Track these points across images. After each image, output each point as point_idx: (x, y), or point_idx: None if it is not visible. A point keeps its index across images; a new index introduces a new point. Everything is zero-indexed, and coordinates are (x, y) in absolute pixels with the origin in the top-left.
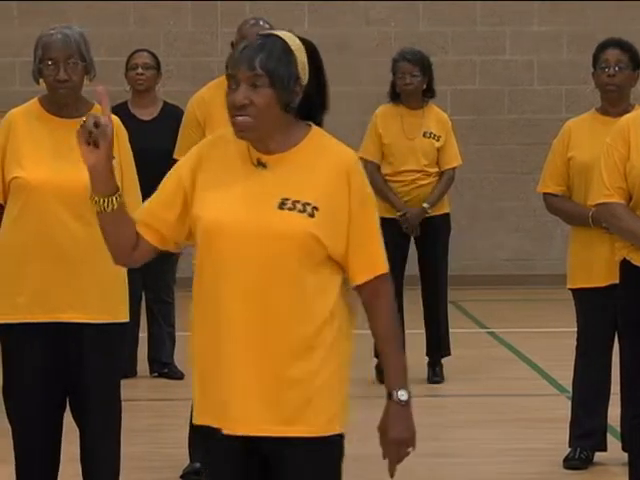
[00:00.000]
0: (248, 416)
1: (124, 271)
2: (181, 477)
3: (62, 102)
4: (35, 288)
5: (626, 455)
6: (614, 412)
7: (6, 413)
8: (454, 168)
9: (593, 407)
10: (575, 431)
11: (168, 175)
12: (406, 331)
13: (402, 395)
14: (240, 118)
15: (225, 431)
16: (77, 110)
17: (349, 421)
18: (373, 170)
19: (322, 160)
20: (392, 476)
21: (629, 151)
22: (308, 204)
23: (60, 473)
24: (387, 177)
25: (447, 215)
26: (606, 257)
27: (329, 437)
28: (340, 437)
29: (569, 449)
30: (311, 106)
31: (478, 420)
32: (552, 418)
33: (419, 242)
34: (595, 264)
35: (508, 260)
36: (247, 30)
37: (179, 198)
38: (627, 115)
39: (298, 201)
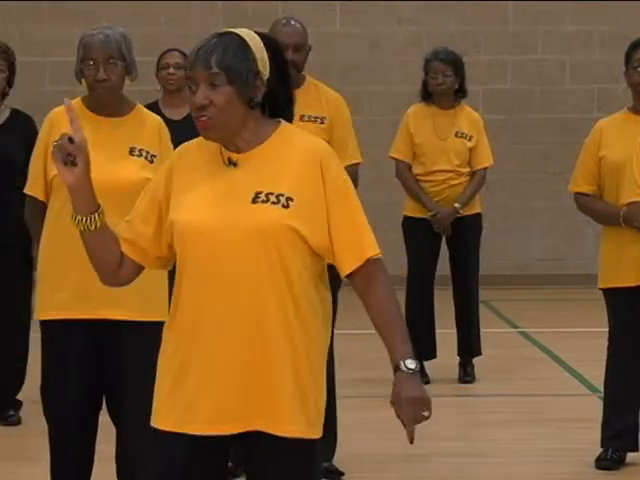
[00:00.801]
0: (244, 414)
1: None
2: None
3: (102, 101)
4: (76, 285)
5: None
6: None
7: (43, 411)
8: (486, 168)
9: (625, 407)
10: (607, 431)
11: (144, 190)
12: (437, 331)
13: (410, 363)
14: (202, 118)
15: (213, 432)
16: (119, 109)
17: (376, 419)
18: (404, 170)
19: (293, 152)
20: (412, 440)
21: None
22: (282, 195)
23: (94, 472)
24: (419, 177)
25: (479, 215)
26: (637, 257)
27: (312, 440)
28: (318, 440)
29: (601, 449)
30: (277, 103)
31: (509, 420)
32: (583, 418)
33: (450, 242)
34: (626, 264)
35: (540, 260)
36: (279, 30)
37: (155, 212)
38: None
39: (272, 193)
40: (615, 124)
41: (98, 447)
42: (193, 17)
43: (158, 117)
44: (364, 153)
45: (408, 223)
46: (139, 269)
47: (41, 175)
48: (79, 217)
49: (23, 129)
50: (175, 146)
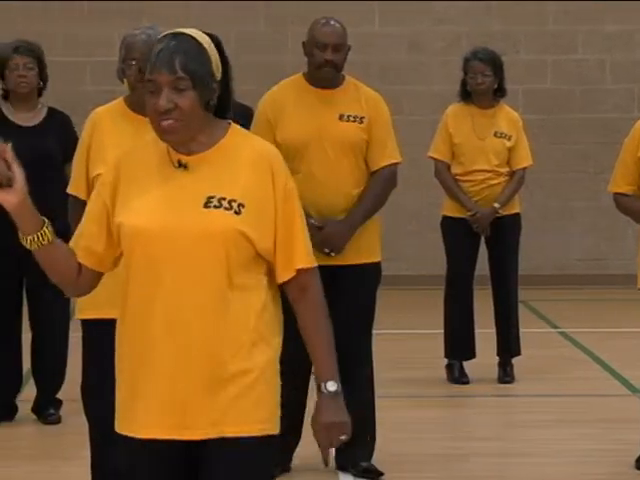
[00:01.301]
0: (192, 420)
1: None
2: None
3: (143, 101)
4: (116, 284)
5: None
6: None
7: (83, 410)
8: (525, 168)
9: None
10: None
11: (92, 195)
12: (477, 330)
13: (331, 386)
14: (166, 122)
15: (165, 437)
16: None
17: (414, 419)
18: (443, 170)
19: (244, 157)
20: (326, 463)
21: None
22: (234, 201)
23: None
24: (457, 177)
25: (518, 215)
26: None
27: (265, 437)
28: (274, 438)
29: None
30: (222, 102)
31: (548, 420)
32: (623, 418)
33: (489, 242)
34: None
35: (580, 260)
36: (318, 30)
37: (104, 215)
38: None
39: (224, 198)
40: None
41: None
42: (234, 18)
43: None
44: (403, 153)
45: (447, 223)
46: (99, 275)
47: (83, 175)
48: (30, 237)
49: (60, 128)
50: None
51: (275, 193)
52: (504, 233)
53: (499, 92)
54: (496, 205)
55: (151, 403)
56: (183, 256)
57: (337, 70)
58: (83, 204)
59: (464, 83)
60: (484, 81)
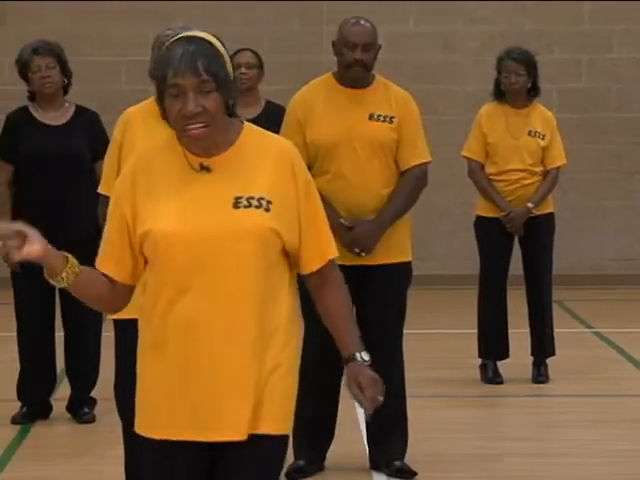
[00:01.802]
0: (230, 420)
1: None
2: (286, 475)
3: None
4: None
5: None
6: None
7: (117, 409)
8: (559, 167)
9: None
10: None
11: (108, 213)
12: (510, 330)
13: (365, 355)
14: (194, 126)
15: (202, 439)
16: None
17: (447, 419)
18: (477, 169)
19: (264, 154)
20: (372, 413)
21: None
22: (262, 199)
23: None
24: (491, 177)
25: (551, 214)
26: None
27: (282, 436)
28: (287, 437)
29: None
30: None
31: (583, 420)
32: None
33: (523, 242)
34: None
35: (614, 260)
36: (348, 29)
37: (124, 228)
38: None
39: (252, 197)
40: None
41: None
42: (267, 18)
43: None
44: (436, 152)
45: (481, 223)
46: (131, 288)
47: (115, 174)
48: (61, 276)
49: (88, 125)
50: None
51: (297, 188)
52: (538, 233)
53: (533, 91)
54: (530, 205)
55: (184, 405)
56: (218, 258)
57: (367, 70)
58: None
59: (498, 83)
60: (518, 80)
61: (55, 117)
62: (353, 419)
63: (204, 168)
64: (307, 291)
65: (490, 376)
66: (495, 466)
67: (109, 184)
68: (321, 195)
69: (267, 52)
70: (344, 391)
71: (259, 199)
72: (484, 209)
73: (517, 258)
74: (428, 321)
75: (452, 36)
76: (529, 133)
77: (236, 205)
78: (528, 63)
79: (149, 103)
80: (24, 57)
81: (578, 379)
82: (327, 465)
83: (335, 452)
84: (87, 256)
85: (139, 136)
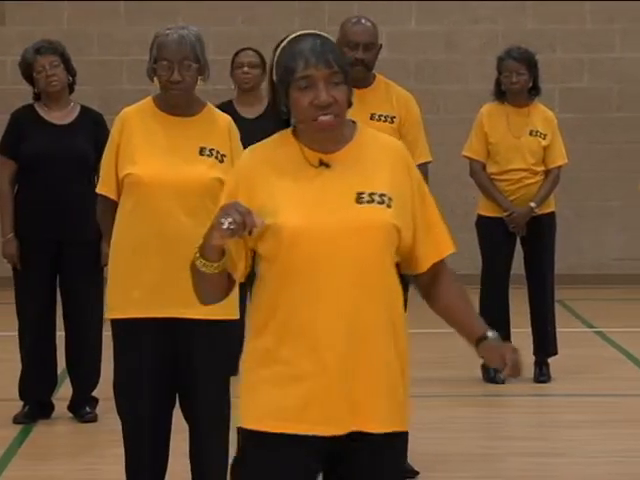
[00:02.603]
0: (342, 415)
1: None
2: None
3: (174, 102)
4: (149, 283)
5: None
6: None
7: (117, 409)
8: (560, 167)
9: None
10: None
11: (222, 199)
12: (513, 330)
13: (494, 334)
14: (326, 117)
15: (328, 433)
16: (190, 109)
17: (450, 418)
18: (478, 169)
19: (381, 152)
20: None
21: None
22: (384, 195)
23: (169, 469)
24: (493, 176)
25: (553, 214)
26: None
27: (401, 433)
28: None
29: None
30: None
31: (584, 420)
32: None
33: (525, 241)
34: None
35: (616, 259)
36: (349, 29)
37: None
38: None
39: (374, 193)
40: None
41: (178, 444)
42: (270, 17)
43: (228, 116)
44: (438, 152)
45: (483, 222)
46: (233, 285)
47: (113, 174)
48: (204, 261)
49: (93, 127)
50: (249, 144)
51: (412, 187)
52: (540, 232)
53: (534, 91)
54: (532, 204)
55: (317, 402)
56: (344, 253)
57: (368, 69)
58: (112, 204)
59: (498, 82)
60: (519, 80)
61: (60, 116)
62: None
63: (323, 164)
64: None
65: (492, 375)
66: (497, 465)
67: (107, 184)
68: None
69: (269, 52)
70: None
71: (381, 195)
72: (486, 209)
73: (519, 257)
74: (429, 320)
75: (454, 35)
76: (530, 133)
77: (359, 200)
78: (529, 62)
79: (146, 103)
80: (27, 58)
81: (580, 379)
82: None
83: None
84: (90, 255)
85: (136, 136)
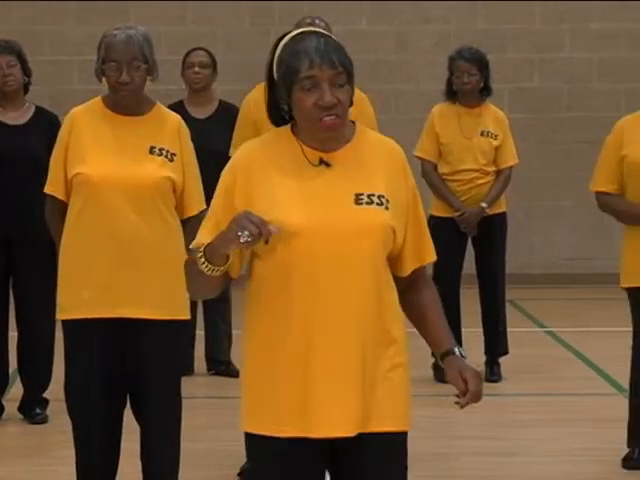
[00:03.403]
0: (343, 416)
1: None
2: (239, 474)
3: (123, 103)
4: (99, 284)
5: None
6: None
7: (67, 410)
8: (511, 167)
9: None
10: (633, 431)
11: (214, 205)
12: (463, 330)
13: (462, 351)
14: (329, 118)
15: (314, 435)
16: (139, 109)
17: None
18: (430, 169)
19: (379, 154)
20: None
21: None
22: (382, 196)
23: (120, 470)
24: (445, 176)
25: (504, 214)
26: None
27: (403, 433)
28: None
29: (627, 449)
30: None
31: (536, 419)
32: (610, 417)
33: (476, 241)
34: None
35: (567, 259)
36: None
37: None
38: None
39: (372, 194)
40: (636, 122)
41: (128, 445)
42: (220, 17)
43: (177, 115)
44: None
45: (434, 222)
46: (226, 281)
47: (61, 174)
48: (211, 266)
49: (47, 128)
50: (199, 144)
51: (408, 190)
52: (491, 232)
53: (485, 91)
54: (483, 204)
55: (326, 402)
56: (341, 253)
57: None
58: (61, 204)
59: (450, 82)
60: (470, 80)
61: (15, 117)
62: None
63: (323, 162)
64: None
65: (443, 375)
66: (450, 465)
67: (55, 184)
68: None
69: (220, 52)
70: None
71: (379, 197)
72: (438, 209)
73: (470, 257)
74: None
75: (405, 35)
76: (482, 133)
77: (358, 201)
78: (480, 63)
79: (95, 103)
80: None
81: (531, 378)
82: None
83: None
84: (44, 256)
85: (85, 136)
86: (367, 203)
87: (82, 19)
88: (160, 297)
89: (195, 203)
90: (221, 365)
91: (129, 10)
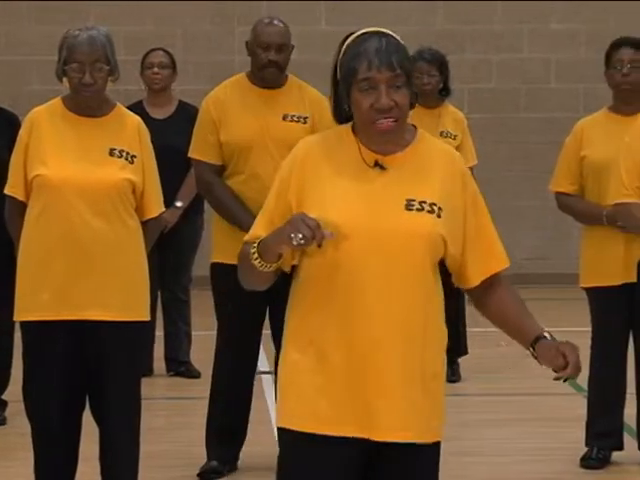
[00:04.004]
0: (396, 421)
1: (146, 270)
2: (198, 475)
3: (85, 104)
4: (58, 285)
5: None
6: (629, 411)
7: (25, 412)
8: (470, 167)
9: (609, 406)
10: (592, 430)
11: (271, 196)
12: None
13: (550, 334)
14: (385, 121)
15: (373, 438)
16: (100, 110)
17: None
18: None
19: (437, 161)
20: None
21: None
22: (434, 204)
23: (78, 471)
24: None
25: None
26: (621, 256)
27: (437, 443)
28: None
29: (586, 448)
30: None
31: (496, 419)
32: (569, 417)
33: None
34: (609, 263)
35: (527, 259)
36: (261, 30)
37: (288, 215)
38: None
39: (424, 201)
40: (595, 124)
41: (86, 446)
42: (179, 17)
43: (137, 117)
44: None
45: None
46: (277, 274)
47: (21, 175)
48: (263, 263)
49: (7, 128)
50: (159, 144)
51: (466, 199)
52: None
53: (444, 92)
54: None
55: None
56: (387, 258)
57: (280, 70)
58: (20, 205)
59: None
60: (430, 81)
61: None
62: (267, 420)
63: (378, 165)
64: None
65: None
66: None
67: (15, 185)
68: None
69: (180, 52)
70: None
71: (431, 204)
72: None
73: None
74: None
75: None
76: (441, 134)
77: (408, 207)
78: (440, 64)
79: (55, 104)
80: None
81: (491, 378)
82: (240, 465)
83: (248, 452)
84: (2, 257)
85: (45, 137)
86: (418, 210)
87: (40, 19)
88: (120, 299)
89: (154, 205)
90: (181, 366)
91: (89, 10)
